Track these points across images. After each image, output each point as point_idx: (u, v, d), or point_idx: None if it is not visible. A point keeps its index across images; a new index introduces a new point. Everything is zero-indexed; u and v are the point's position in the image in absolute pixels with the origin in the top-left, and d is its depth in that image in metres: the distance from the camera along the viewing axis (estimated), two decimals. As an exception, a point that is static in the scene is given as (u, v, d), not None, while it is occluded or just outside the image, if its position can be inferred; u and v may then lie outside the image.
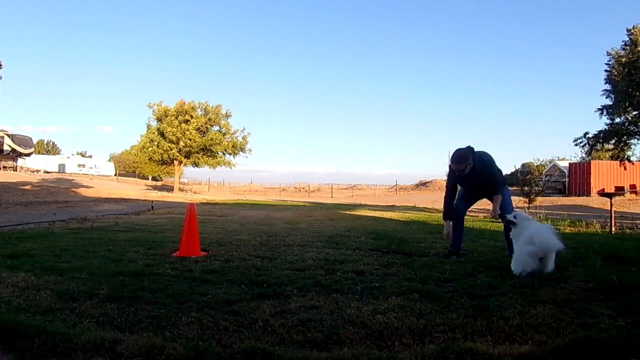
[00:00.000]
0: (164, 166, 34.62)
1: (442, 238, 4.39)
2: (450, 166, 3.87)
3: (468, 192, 4.13)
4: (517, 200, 13.76)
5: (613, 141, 14.73)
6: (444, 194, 4.09)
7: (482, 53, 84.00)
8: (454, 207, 4.01)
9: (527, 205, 12.73)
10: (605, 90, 14.51)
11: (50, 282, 2.72)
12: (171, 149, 27.27)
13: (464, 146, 3.78)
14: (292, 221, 8.10)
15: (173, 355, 1.58)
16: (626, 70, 13.27)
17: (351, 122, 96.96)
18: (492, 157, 3.92)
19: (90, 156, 54.50)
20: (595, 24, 71.20)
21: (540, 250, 2.96)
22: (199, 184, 44.41)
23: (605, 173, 24.27)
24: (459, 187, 4.07)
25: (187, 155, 28.30)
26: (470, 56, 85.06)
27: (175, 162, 28.85)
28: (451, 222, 3.94)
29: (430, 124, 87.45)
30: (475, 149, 3.80)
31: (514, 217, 3.33)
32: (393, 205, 17.59)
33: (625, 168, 15.57)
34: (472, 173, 3.76)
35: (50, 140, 63.16)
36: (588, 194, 23.56)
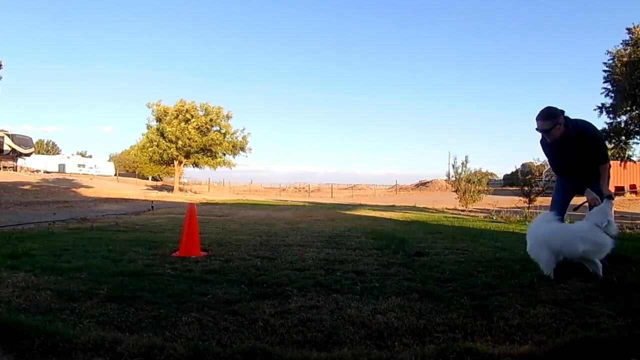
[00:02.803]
0: (164, 166, 34.62)
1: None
2: (540, 141, 3.23)
3: (564, 185, 3.42)
4: (517, 200, 13.80)
5: (613, 141, 14.71)
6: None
7: (482, 53, 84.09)
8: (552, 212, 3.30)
9: (527, 205, 12.73)
10: (605, 89, 14.50)
11: (50, 282, 2.72)
12: (170, 149, 27.25)
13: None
14: (292, 221, 8.10)
15: (173, 355, 1.58)
16: (628, 69, 13.24)
17: (351, 122, 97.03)
18: (594, 127, 3.19)
19: (90, 156, 54.53)
20: (595, 24, 71.24)
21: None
22: (199, 184, 44.39)
23: (605, 173, 24.23)
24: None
25: (187, 155, 28.29)
26: (470, 56, 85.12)
27: (175, 162, 28.84)
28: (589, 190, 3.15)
29: (430, 124, 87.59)
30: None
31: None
32: (393, 205, 17.57)
33: (625, 167, 15.55)
34: (565, 142, 3.09)
35: (50, 140, 63.23)
36: (588, 193, 23.50)
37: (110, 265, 3.25)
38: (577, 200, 3.43)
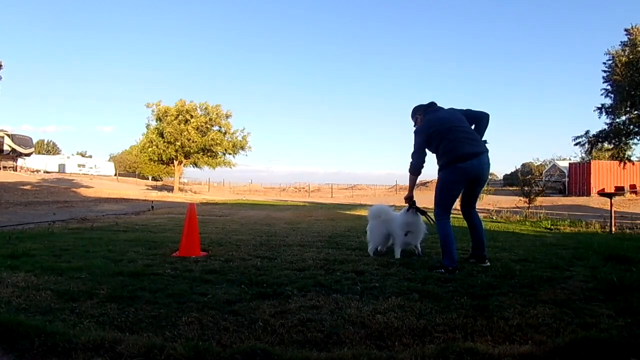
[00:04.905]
0: (164, 166, 34.61)
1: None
2: None
3: None
4: (517, 200, 13.77)
5: (613, 141, 14.69)
6: None
7: (481, 53, 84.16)
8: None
9: (527, 205, 12.73)
10: (605, 89, 14.49)
11: (50, 282, 2.72)
12: (168, 149, 27.20)
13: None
14: (292, 221, 8.09)
15: (173, 355, 1.58)
16: (627, 70, 13.24)
17: (351, 122, 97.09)
18: (421, 127, 3.67)
19: (90, 156, 54.58)
20: (595, 24, 71.26)
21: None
22: (199, 184, 44.37)
23: (605, 173, 24.26)
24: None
25: (187, 156, 28.27)
26: (470, 56, 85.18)
27: (175, 162, 28.83)
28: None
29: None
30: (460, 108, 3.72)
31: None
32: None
33: (624, 168, 15.52)
34: None
35: (50, 140, 63.28)
36: (588, 194, 23.55)
37: (110, 265, 3.24)
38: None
